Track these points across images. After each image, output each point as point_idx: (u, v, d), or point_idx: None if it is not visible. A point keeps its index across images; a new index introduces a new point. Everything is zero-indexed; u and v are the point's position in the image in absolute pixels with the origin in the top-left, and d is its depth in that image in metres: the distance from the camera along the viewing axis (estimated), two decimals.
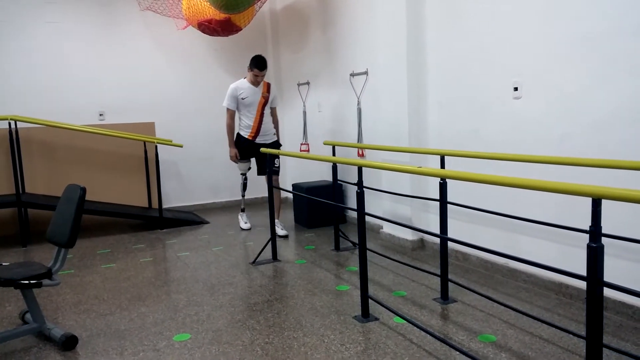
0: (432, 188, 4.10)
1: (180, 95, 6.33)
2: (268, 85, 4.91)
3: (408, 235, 4.27)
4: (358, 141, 5.10)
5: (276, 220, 4.67)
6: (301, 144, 6.26)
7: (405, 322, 2.70)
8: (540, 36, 3.03)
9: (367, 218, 4.52)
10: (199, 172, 6.51)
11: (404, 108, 4.10)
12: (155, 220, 5.40)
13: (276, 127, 5.07)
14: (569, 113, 2.89)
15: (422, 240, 4.25)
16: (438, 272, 3.08)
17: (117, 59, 5.94)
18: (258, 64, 4.67)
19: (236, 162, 5.04)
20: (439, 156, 3.30)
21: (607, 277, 1.59)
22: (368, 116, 4.96)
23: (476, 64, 3.54)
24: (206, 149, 6.52)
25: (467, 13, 3.57)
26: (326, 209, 5.18)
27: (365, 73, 4.94)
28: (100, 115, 5.87)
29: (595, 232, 1.55)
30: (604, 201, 1.59)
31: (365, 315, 2.79)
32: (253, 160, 5.12)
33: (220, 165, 6.62)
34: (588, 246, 1.55)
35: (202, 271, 3.81)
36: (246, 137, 4.89)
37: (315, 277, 3.57)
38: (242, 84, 4.79)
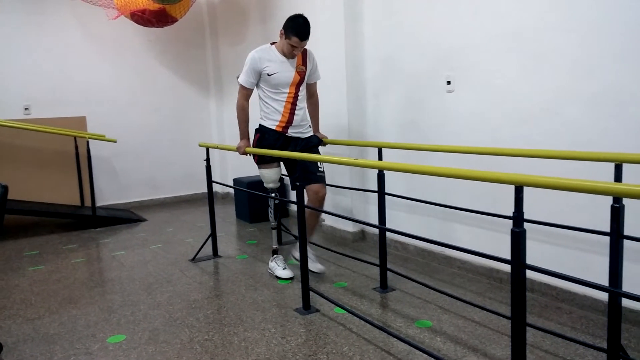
0: (371, 180, 4.17)
1: (113, 88, 6.06)
2: (305, 54, 3.31)
3: (349, 227, 4.32)
4: None
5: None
6: None
7: (345, 312, 2.74)
8: (472, 31, 3.14)
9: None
10: (135, 167, 6.28)
11: (343, 100, 4.13)
12: (88, 219, 5.16)
13: (316, 110, 3.57)
14: (499, 106, 3.02)
15: (362, 232, 4.31)
16: (378, 262, 3.14)
17: (44, 50, 5.60)
18: (300, 30, 3.06)
19: (257, 165, 3.37)
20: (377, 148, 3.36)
21: (533, 260, 1.68)
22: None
23: (412, 57, 3.62)
24: (142, 143, 6.29)
25: (403, 7, 3.64)
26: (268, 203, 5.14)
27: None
28: (26, 109, 5.51)
29: (517, 217, 1.62)
30: (528, 189, 1.68)
31: (307, 307, 2.80)
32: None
33: (159, 160, 6.42)
34: (512, 231, 1.63)
35: (138, 270, 3.68)
36: (273, 128, 3.28)
37: (257, 271, 3.55)
38: (270, 54, 3.21)
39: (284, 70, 3.21)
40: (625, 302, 2.41)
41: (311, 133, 3.46)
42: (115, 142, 5.58)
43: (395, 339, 2.39)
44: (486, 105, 3.10)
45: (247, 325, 2.65)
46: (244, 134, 3.37)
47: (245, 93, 3.29)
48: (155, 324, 2.71)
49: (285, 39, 3.14)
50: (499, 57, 2.98)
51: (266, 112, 3.31)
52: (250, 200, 5.11)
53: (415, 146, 3.12)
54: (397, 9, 3.69)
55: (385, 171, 3.01)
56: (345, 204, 4.32)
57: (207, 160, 3.87)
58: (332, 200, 4.47)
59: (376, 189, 3.02)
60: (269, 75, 3.18)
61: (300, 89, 3.30)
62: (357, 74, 4.11)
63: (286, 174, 3.64)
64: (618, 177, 2.00)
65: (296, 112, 3.29)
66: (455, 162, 3.27)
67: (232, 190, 6.55)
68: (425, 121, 3.56)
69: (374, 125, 4.07)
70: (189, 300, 3.03)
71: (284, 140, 3.31)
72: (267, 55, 3.21)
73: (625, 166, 2.02)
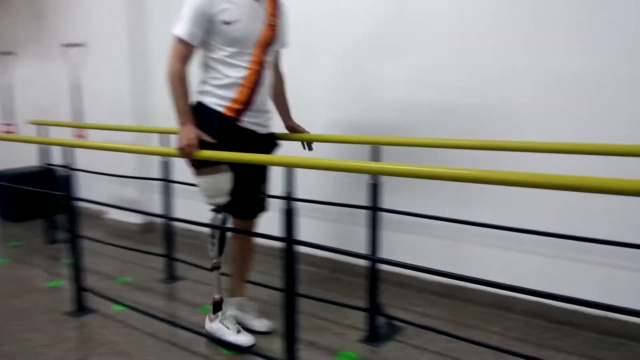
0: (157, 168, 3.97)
1: None
2: (276, 3, 2.15)
3: (136, 218, 4.05)
4: (76, 120, 4.57)
5: (236, 299, 2.41)
6: (4, 124, 5.31)
7: (126, 308, 2.55)
8: None
9: (87, 204, 4.12)
10: None
11: (126, 85, 3.86)
12: None
13: (283, 94, 2.40)
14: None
15: (151, 223, 4.09)
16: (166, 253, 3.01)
17: None
18: None
19: (196, 170, 2.09)
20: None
21: (312, 237, 1.77)
22: (88, 93, 4.48)
23: None
24: None
25: None
26: (38, 197, 4.50)
27: (83, 45, 4.45)
28: None
29: (288, 196, 1.71)
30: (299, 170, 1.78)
31: (80, 309, 2.53)
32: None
33: None
34: (283, 210, 1.71)
35: None
36: (220, 111, 2.07)
37: (21, 276, 3.08)
38: None
39: (251, 17, 2.01)
40: (384, 266, 2.74)
41: (271, 129, 2.28)
42: None
43: (179, 328, 2.32)
44: None
45: (3, 338, 2.27)
46: (186, 114, 2.01)
47: (185, 52, 1.98)
48: None
49: None
50: (290, 48, 3.11)
51: (213, 85, 2.06)
52: (15, 195, 4.41)
53: None
54: None
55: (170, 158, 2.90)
56: (131, 194, 4.04)
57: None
58: (117, 191, 4.14)
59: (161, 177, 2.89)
60: (226, 23, 1.96)
61: (269, 54, 2.13)
62: (143, 57, 3.86)
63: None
64: (375, 158, 2.26)
65: (260, 89, 2.09)
66: None
67: None
68: None
69: (162, 111, 3.87)
70: None
71: (233, 133, 2.07)
72: None
73: (384, 148, 2.27)
